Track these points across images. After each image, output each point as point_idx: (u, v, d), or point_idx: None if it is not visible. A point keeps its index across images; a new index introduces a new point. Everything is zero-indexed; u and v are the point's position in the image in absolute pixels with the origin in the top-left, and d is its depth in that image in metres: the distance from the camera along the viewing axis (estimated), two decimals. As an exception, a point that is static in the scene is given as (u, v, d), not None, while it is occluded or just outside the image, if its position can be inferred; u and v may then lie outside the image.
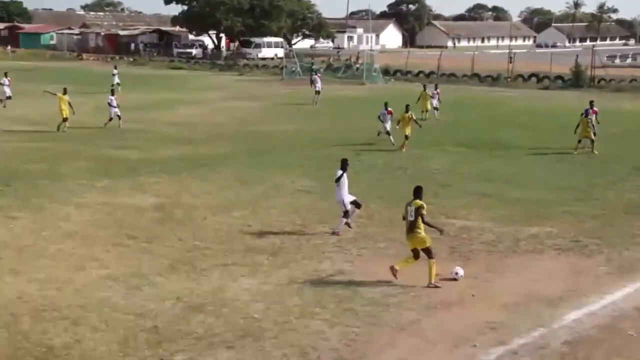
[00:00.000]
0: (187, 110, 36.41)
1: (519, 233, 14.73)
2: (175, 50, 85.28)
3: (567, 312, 10.60)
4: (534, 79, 57.19)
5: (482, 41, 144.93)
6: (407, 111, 25.40)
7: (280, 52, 78.91)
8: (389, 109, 26.04)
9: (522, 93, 50.05)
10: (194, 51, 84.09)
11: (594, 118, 25.49)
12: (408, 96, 34.45)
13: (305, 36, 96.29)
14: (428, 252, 11.80)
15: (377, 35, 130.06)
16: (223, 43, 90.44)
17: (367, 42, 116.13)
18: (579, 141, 24.56)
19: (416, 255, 11.94)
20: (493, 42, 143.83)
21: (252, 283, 11.78)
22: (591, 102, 25.98)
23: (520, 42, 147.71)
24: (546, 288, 11.61)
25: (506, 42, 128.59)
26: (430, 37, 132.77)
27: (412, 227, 11.95)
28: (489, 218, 16.05)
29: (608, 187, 19.25)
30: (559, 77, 55.42)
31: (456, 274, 12.09)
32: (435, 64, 61.85)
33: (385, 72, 61.19)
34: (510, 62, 58.90)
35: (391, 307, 10.81)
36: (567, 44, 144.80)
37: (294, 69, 62.73)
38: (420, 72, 61.95)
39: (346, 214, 14.67)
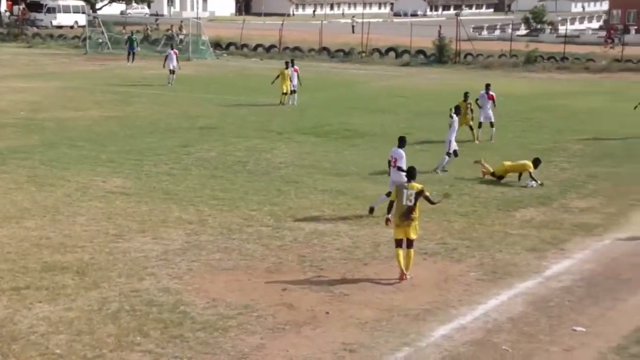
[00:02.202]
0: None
1: (379, 236, 15.22)
2: None
3: (435, 327, 11.09)
4: (392, 53, 59.39)
5: (332, 8, 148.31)
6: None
7: (81, 19, 76.31)
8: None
9: (379, 70, 51.83)
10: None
11: (490, 103, 26.09)
12: (248, 75, 34.53)
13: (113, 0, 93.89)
14: (412, 242, 12.96)
15: (205, 1, 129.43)
16: (3, 5, 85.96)
17: (192, 9, 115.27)
18: None
19: (399, 244, 12.88)
20: (345, 10, 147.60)
21: (53, 310, 11.35)
22: (487, 85, 26.65)
23: (375, 9, 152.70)
24: (411, 300, 12.10)
25: (359, 9, 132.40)
26: (270, 3, 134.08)
27: (409, 214, 12.77)
28: (345, 219, 16.47)
29: (478, 180, 20.35)
30: (421, 51, 57.93)
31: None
32: (277, 36, 62.56)
33: (217, 45, 61.16)
34: (353, 32, 60.62)
35: (230, 331, 10.82)
36: (429, 12, 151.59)
37: (100, 40, 61.02)
38: (258, 45, 62.47)
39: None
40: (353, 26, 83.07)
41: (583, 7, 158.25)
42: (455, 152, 21.09)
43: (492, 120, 26.03)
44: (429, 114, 31.03)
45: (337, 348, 10.41)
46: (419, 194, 12.93)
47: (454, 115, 21.32)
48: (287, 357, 10.18)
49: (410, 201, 12.85)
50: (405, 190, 12.96)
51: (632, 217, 17.25)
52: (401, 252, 12.99)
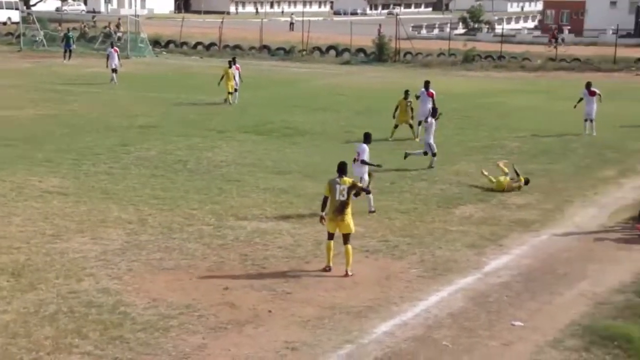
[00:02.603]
0: None
1: (321, 234, 15.14)
2: None
3: (377, 324, 11.15)
4: (332, 52, 59.59)
5: (272, 6, 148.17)
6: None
7: (15, 16, 74.73)
8: None
9: (319, 68, 51.93)
10: None
11: (430, 101, 25.86)
12: (188, 74, 34.28)
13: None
14: (348, 237, 13.17)
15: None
16: None
17: (130, 6, 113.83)
18: (396, 126, 25.85)
19: (331, 237, 13.21)
20: (285, 8, 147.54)
21: (-12, 314, 11.09)
22: (426, 83, 26.74)
23: (315, 8, 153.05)
24: (353, 297, 12.15)
25: (299, 8, 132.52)
26: (210, 1, 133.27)
27: (343, 209, 13.07)
28: (286, 218, 16.47)
29: (419, 178, 20.57)
30: (361, 50, 58.23)
31: None
32: (217, 34, 62.22)
33: (155, 43, 60.54)
34: (291, 30, 60.71)
35: (171, 332, 10.72)
36: (369, 11, 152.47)
37: (35, 37, 59.88)
38: (198, 43, 62.04)
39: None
40: (292, 24, 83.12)
41: (522, 8, 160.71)
42: (433, 152, 21.34)
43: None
44: (369, 113, 31.21)
45: (279, 346, 10.40)
46: (351, 188, 13.27)
47: (430, 118, 21.45)
48: (229, 356, 10.13)
49: (343, 196, 13.14)
50: (337, 186, 13.22)
51: (567, 212, 17.59)
52: (332, 245, 13.26)
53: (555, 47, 61.65)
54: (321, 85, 42.44)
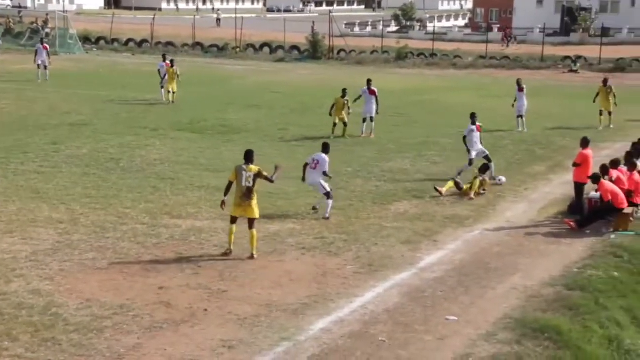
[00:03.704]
0: None
1: (259, 232, 15.20)
2: None
3: (314, 321, 11.19)
4: (266, 49, 59.56)
5: (204, 3, 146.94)
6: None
7: None
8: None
9: (253, 65, 51.82)
10: None
11: (372, 98, 26.18)
12: (120, 71, 33.79)
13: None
14: (253, 223, 13.71)
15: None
16: None
17: (58, 2, 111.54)
18: (335, 124, 25.82)
19: (234, 221, 13.77)
20: (217, 5, 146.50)
21: None
22: (369, 81, 26.82)
23: (248, 5, 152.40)
24: (290, 295, 12.16)
25: (232, 5, 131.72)
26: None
27: (248, 194, 13.67)
28: (222, 216, 16.35)
29: (354, 175, 20.69)
30: (295, 47, 58.32)
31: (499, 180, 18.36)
32: (148, 31, 61.50)
33: (85, 39, 59.59)
34: (218, 26, 60.42)
35: (105, 332, 10.56)
36: (302, 7, 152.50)
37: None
38: (129, 40, 61.26)
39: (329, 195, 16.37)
40: (218, 19, 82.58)
41: (460, 4, 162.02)
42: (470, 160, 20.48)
43: (373, 115, 26.41)
44: (304, 110, 31.28)
45: (215, 345, 10.34)
46: (257, 175, 13.80)
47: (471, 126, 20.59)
48: (165, 356, 10.03)
49: (249, 182, 13.72)
50: (244, 172, 13.78)
51: (499, 208, 17.91)
52: (234, 229, 13.83)
53: (507, 46, 62.69)
54: (255, 82, 42.33)
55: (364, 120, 26.34)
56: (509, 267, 13.89)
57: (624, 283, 13.17)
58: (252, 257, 13.69)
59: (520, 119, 28.03)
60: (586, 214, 16.73)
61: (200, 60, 53.25)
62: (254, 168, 13.88)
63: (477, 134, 20.54)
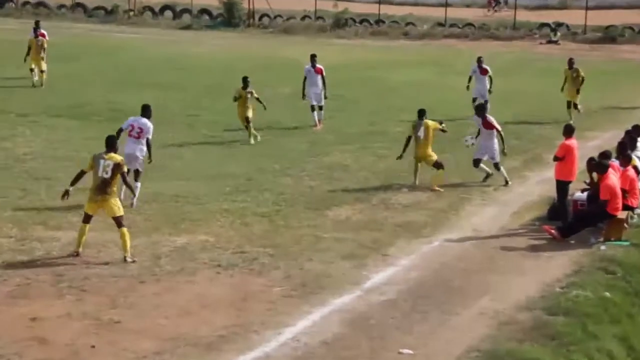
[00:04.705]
0: None
1: (160, 246, 15.12)
2: None
3: (233, 358, 11.12)
4: (168, 13, 59.29)
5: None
6: None
7: None
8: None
9: (152, 34, 51.51)
10: None
11: (319, 79, 26.30)
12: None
13: None
14: (119, 220, 14.24)
15: None
16: None
17: None
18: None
19: (87, 220, 14.29)
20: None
21: None
22: (313, 57, 26.73)
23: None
24: (202, 325, 12.06)
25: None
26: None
27: (104, 187, 14.14)
28: (113, 226, 16.12)
29: (282, 172, 20.70)
30: (205, 11, 58.17)
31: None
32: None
33: None
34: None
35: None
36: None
37: None
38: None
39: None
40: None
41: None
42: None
43: (322, 103, 26.48)
44: (220, 90, 31.10)
45: (108, 391, 10.23)
46: (117, 167, 14.16)
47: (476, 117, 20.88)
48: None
49: (107, 173, 14.20)
50: (102, 161, 14.15)
51: (463, 213, 18.11)
52: (86, 229, 14.40)
53: (496, 11, 62.79)
54: (156, 55, 42.05)
55: (313, 109, 26.29)
56: (476, 286, 14.03)
57: (617, 305, 13.42)
58: (124, 260, 14.11)
59: (475, 102, 28.06)
60: (570, 220, 17.00)
61: (82, 27, 52.70)
62: (115, 157, 14.36)
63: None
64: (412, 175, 19.99)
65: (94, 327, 11.87)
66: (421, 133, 19.97)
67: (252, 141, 24.19)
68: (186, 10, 58.57)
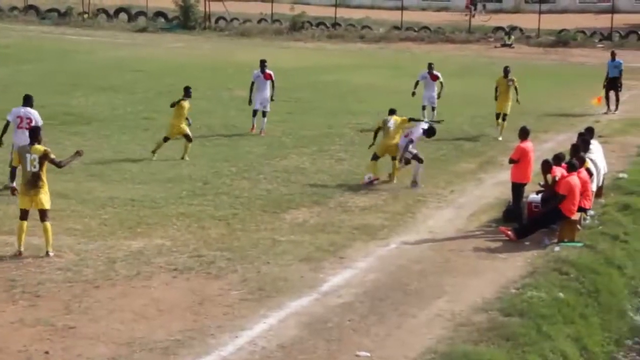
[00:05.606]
0: None
1: (115, 250, 15.01)
2: None
3: (188, 363, 11.11)
4: (123, 15, 58.96)
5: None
6: None
7: None
8: None
9: (106, 37, 51.25)
10: None
11: (268, 84, 25.91)
12: None
13: None
14: (45, 213, 14.28)
15: None
16: None
17: None
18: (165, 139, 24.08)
19: (25, 216, 14.25)
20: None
21: None
22: (262, 63, 26.22)
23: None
24: (158, 329, 11.99)
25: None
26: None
27: (34, 181, 14.17)
28: (68, 230, 16.06)
29: (239, 176, 20.65)
30: (161, 13, 57.94)
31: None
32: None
33: None
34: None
35: None
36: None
37: None
38: None
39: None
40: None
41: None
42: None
43: (267, 109, 26.07)
44: (174, 94, 30.91)
45: (60, 398, 10.13)
46: (44, 157, 14.28)
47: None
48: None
49: (35, 167, 14.22)
50: (28, 155, 14.21)
51: (419, 215, 18.16)
52: (24, 226, 14.34)
53: (474, 15, 62.42)
54: (110, 58, 41.80)
55: (254, 113, 26.02)
56: (432, 288, 14.07)
57: (570, 306, 13.54)
58: (47, 255, 14.30)
59: (424, 110, 28.12)
60: (525, 222, 17.11)
61: (35, 29, 52.33)
62: (39, 149, 14.31)
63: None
64: (370, 169, 20.28)
65: (48, 333, 11.75)
66: (391, 124, 20.63)
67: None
68: (141, 13, 58.28)
